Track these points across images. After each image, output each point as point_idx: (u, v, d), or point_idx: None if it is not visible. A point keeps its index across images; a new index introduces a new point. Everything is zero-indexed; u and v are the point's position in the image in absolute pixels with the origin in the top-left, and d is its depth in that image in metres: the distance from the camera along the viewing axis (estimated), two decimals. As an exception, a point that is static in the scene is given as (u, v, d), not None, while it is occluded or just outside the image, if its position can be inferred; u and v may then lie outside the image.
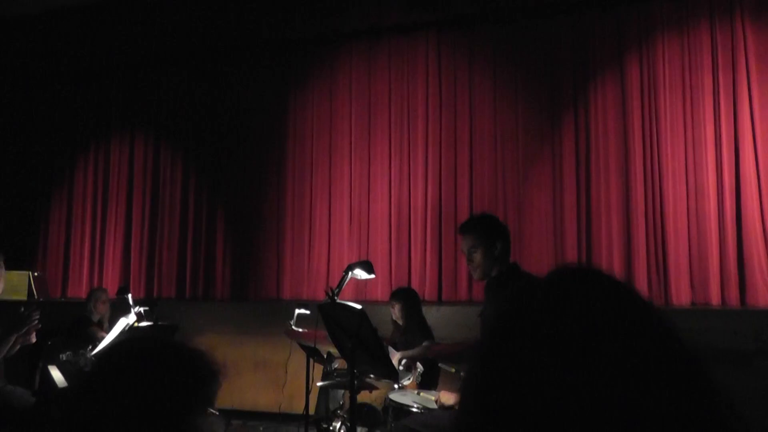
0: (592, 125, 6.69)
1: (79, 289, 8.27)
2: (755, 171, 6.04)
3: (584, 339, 0.60)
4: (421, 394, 3.80)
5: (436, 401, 3.49)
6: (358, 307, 2.80)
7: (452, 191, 7.08)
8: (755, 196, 6.01)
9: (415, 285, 6.69)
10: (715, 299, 5.99)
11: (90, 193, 8.60)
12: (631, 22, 6.67)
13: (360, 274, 3.88)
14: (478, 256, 2.97)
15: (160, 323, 5.55)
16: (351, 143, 7.54)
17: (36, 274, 7.68)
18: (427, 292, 6.87)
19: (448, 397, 3.37)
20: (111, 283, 8.00)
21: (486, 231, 3.00)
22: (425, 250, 7.08)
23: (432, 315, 5.53)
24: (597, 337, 0.60)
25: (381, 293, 6.91)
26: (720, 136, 6.19)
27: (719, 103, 6.23)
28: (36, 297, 7.39)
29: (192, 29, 7.84)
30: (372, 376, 3.58)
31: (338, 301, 3.05)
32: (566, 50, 6.86)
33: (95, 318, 5.88)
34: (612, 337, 0.60)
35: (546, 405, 0.58)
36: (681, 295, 6.13)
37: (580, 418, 0.56)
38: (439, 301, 6.83)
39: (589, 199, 6.62)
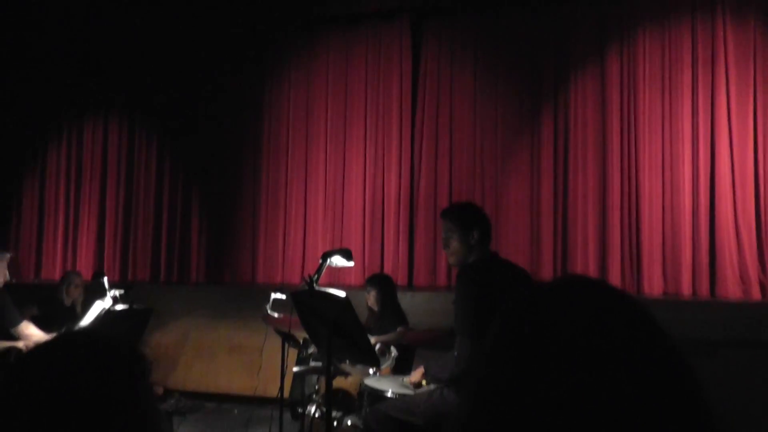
0: (571, 117, 6.73)
1: (52, 272, 8.18)
2: (730, 167, 6.13)
3: (593, 345, 0.60)
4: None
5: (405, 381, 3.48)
6: (343, 294, 2.78)
7: (432, 179, 7.10)
8: (729, 191, 6.11)
9: (387, 271, 6.71)
10: (686, 290, 6.11)
11: (63, 175, 8.47)
12: (613, 16, 6.71)
13: (338, 261, 3.85)
14: (454, 243, 2.97)
15: (135, 307, 5.48)
16: (327, 130, 7.52)
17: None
18: (400, 278, 6.89)
19: (415, 375, 3.38)
20: (85, 265, 7.89)
21: (463, 218, 2.99)
22: (398, 236, 7.11)
23: (405, 301, 5.55)
24: (606, 342, 0.61)
25: (354, 279, 6.93)
26: (697, 131, 6.28)
27: (697, 99, 6.31)
28: (9, 279, 7.25)
29: (170, 13, 7.71)
30: (347, 362, 3.58)
31: (319, 288, 3.03)
32: (548, 42, 6.88)
33: (67, 302, 5.73)
34: (621, 343, 0.61)
35: (560, 410, 0.58)
36: (653, 285, 6.23)
37: (591, 421, 0.58)
38: (410, 287, 6.87)
39: (566, 190, 6.68)
